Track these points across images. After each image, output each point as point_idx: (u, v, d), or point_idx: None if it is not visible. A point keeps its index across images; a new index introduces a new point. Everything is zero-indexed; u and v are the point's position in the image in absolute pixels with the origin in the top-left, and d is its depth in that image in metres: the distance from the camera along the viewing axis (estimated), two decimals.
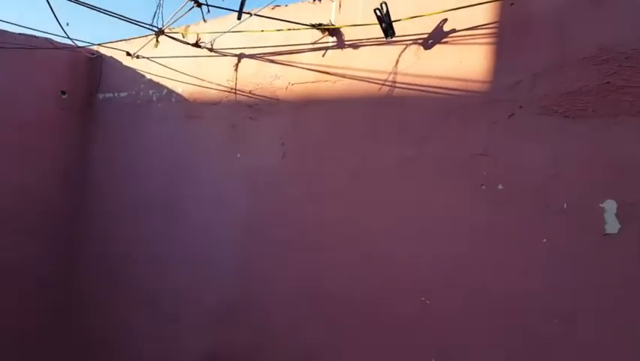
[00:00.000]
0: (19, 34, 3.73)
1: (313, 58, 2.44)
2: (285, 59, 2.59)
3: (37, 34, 3.73)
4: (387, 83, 2.10)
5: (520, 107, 1.70)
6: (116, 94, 3.88)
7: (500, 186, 1.71)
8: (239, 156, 2.81)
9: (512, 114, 1.72)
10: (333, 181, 2.27)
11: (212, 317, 2.79)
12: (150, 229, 3.34)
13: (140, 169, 3.53)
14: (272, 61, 2.67)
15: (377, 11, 1.96)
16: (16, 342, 3.73)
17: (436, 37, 1.96)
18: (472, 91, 1.84)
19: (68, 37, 3.10)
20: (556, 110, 1.63)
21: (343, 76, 2.29)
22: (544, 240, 1.59)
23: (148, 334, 3.24)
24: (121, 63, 3.84)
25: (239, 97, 2.86)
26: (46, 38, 3.83)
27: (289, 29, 2.52)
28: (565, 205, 1.56)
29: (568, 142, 1.60)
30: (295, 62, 2.53)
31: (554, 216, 1.58)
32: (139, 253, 3.41)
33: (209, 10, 2.46)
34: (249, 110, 2.78)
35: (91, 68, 4.11)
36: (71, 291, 3.89)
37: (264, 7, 2.65)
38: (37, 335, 3.82)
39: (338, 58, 2.32)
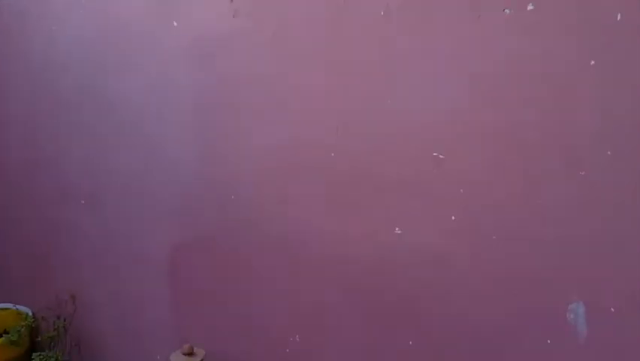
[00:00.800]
0: None
1: None
2: None
3: None
4: None
5: None
6: None
7: (530, 6, 1.39)
8: (175, 24, 2.31)
9: None
10: (306, 37, 1.88)
11: (173, 208, 2.44)
12: (81, 123, 2.85)
13: (49, 67, 2.96)
14: None
15: None
16: None
17: None
18: None
19: None
20: None
21: None
22: (592, 62, 1.31)
23: (98, 235, 2.88)
24: None
25: None
26: None
27: None
28: (618, 16, 1.28)
29: None
30: None
31: (605, 32, 1.30)
32: (71, 150, 2.94)
33: None
34: None
35: None
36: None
37: None
38: None
39: None
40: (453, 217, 1.57)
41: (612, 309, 1.34)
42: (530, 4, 1.39)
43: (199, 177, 2.30)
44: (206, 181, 2.27)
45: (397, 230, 1.69)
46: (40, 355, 2.87)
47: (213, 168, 2.24)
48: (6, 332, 3.10)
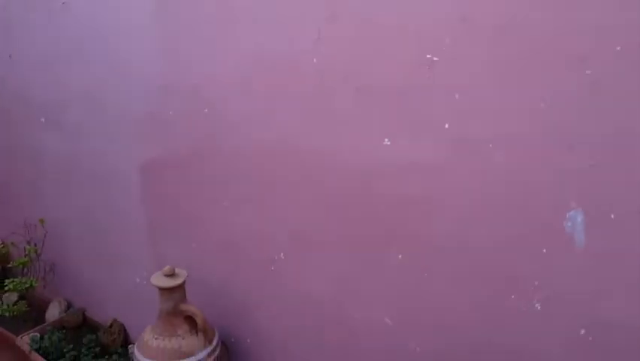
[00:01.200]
0: None
1: None
2: None
3: None
4: None
5: None
6: None
7: None
8: None
9: None
10: None
11: (141, 123, 2.28)
12: (34, 28, 2.61)
13: None
14: None
15: None
16: None
17: None
18: None
19: None
20: None
21: None
22: None
23: (61, 154, 2.72)
24: None
25: None
26: None
27: None
28: None
29: None
30: None
31: None
32: (24, 63, 2.71)
33: None
34: None
35: None
36: None
37: None
38: None
39: None
40: (447, 125, 1.47)
41: (612, 216, 1.28)
42: None
43: (168, 89, 2.13)
44: (177, 93, 2.10)
45: (386, 141, 1.58)
46: (13, 281, 2.78)
47: (184, 78, 2.06)
48: None
